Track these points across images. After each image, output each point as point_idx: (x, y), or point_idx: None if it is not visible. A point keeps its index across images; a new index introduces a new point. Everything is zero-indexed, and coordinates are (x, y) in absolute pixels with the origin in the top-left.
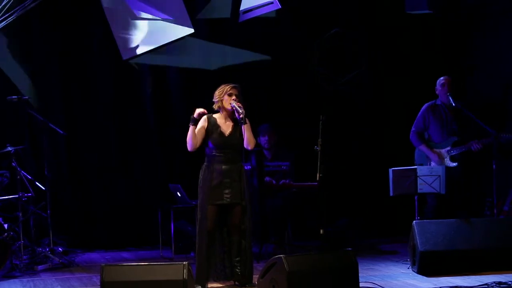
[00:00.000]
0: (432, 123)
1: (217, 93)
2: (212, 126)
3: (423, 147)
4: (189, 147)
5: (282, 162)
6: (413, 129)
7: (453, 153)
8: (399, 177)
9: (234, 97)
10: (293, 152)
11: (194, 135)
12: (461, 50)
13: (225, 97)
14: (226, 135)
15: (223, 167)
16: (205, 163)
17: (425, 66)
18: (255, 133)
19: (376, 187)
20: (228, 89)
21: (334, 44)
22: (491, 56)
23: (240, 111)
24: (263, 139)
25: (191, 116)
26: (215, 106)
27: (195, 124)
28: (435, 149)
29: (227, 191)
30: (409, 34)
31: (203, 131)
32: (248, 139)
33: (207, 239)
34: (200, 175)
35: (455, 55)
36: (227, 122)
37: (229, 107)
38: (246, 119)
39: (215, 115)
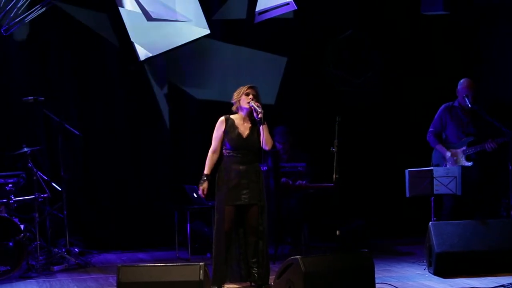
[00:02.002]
0: (449, 124)
1: (235, 94)
2: (230, 127)
3: (439, 147)
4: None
5: (298, 163)
6: (430, 129)
7: (469, 152)
8: (415, 178)
9: (251, 97)
10: (308, 153)
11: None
12: (476, 51)
13: (242, 97)
14: (244, 136)
15: (241, 167)
16: (222, 164)
17: (441, 67)
18: (271, 135)
19: (392, 188)
20: (245, 89)
21: (349, 45)
22: (506, 57)
23: (259, 110)
24: (279, 141)
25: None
26: (233, 107)
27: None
28: (451, 149)
29: (244, 191)
30: (425, 35)
31: (223, 134)
32: (266, 139)
33: (224, 240)
34: (216, 176)
35: (470, 55)
36: (245, 123)
37: (246, 106)
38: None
39: (232, 116)
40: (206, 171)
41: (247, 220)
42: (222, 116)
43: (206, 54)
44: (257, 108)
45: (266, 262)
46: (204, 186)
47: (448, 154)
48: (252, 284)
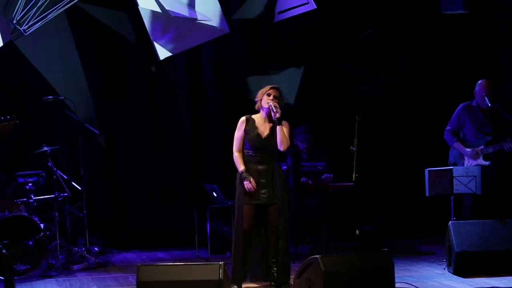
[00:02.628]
0: (467, 123)
1: (258, 93)
2: (250, 127)
3: (456, 145)
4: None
5: (318, 162)
6: (447, 127)
7: (487, 151)
8: (435, 178)
9: (272, 97)
10: (325, 152)
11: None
12: (495, 50)
13: (264, 96)
14: (263, 136)
15: (259, 167)
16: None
17: (461, 66)
18: (292, 134)
19: (412, 188)
20: (267, 89)
21: (369, 44)
22: None
23: (275, 110)
24: (301, 140)
25: (244, 177)
26: (256, 106)
27: (240, 177)
28: (468, 148)
29: (263, 191)
30: (445, 34)
31: (243, 134)
32: (281, 140)
33: (243, 238)
34: (237, 175)
35: (489, 55)
36: (266, 123)
37: (266, 106)
38: (284, 121)
39: (254, 116)
40: (241, 167)
41: (268, 220)
42: (243, 115)
43: (226, 53)
44: (274, 108)
45: (287, 262)
46: (250, 179)
47: (468, 150)
48: (272, 283)
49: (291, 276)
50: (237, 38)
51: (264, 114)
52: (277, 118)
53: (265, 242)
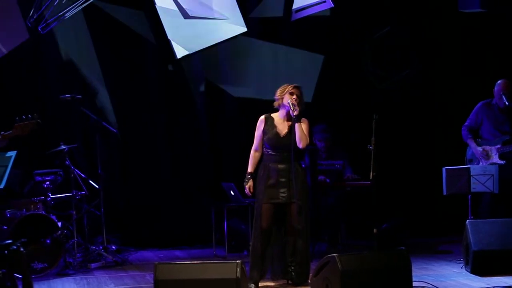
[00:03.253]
0: (485, 121)
1: (278, 91)
2: (269, 126)
3: (470, 142)
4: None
5: (336, 161)
6: (465, 123)
7: (503, 150)
8: (453, 176)
9: (295, 97)
10: (344, 151)
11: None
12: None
13: (286, 95)
14: (282, 135)
15: (279, 166)
16: (262, 162)
17: (478, 64)
18: (311, 133)
19: (430, 186)
20: (290, 88)
21: (386, 42)
22: None
23: (293, 108)
24: (319, 139)
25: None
26: (275, 104)
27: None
28: (483, 146)
29: (282, 190)
30: (462, 33)
31: (262, 133)
32: (299, 137)
33: (261, 237)
34: (259, 172)
35: (506, 53)
36: (285, 122)
37: (287, 105)
38: (303, 119)
39: (273, 115)
40: (249, 169)
41: (287, 219)
42: (260, 114)
43: (243, 52)
44: (292, 106)
45: (306, 261)
46: (249, 184)
47: (479, 150)
48: (289, 282)
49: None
50: (255, 37)
51: (284, 113)
52: (296, 116)
53: (284, 241)
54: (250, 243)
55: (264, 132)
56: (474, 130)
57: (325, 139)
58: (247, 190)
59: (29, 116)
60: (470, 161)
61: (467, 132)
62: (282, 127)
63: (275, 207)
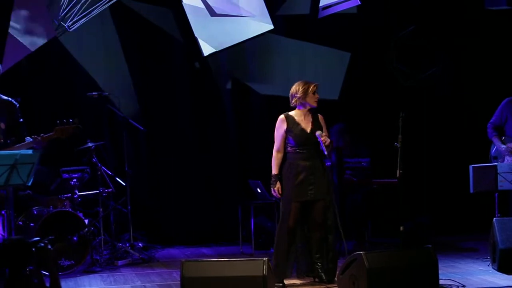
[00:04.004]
0: (509, 118)
1: (300, 89)
2: (292, 124)
3: (495, 140)
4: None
5: (363, 158)
6: (490, 120)
7: None
8: (479, 174)
9: (317, 96)
10: (369, 149)
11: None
12: None
13: (310, 94)
14: (308, 131)
15: (307, 163)
16: (287, 161)
17: (505, 62)
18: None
19: (456, 184)
20: (313, 88)
21: (412, 40)
22: None
23: (325, 146)
24: (336, 140)
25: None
26: (295, 101)
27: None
28: (508, 144)
29: (311, 187)
30: (488, 30)
31: (285, 133)
32: (330, 151)
33: (287, 235)
34: (283, 172)
35: None
36: (306, 119)
37: (314, 105)
38: (319, 116)
39: (291, 113)
40: (274, 171)
41: (312, 216)
42: (287, 111)
43: (270, 49)
44: (326, 147)
45: (336, 258)
46: (277, 186)
47: (503, 147)
48: (316, 280)
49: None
50: (281, 34)
51: (305, 111)
52: (326, 154)
53: (308, 238)
54: (275, 241)
55: (288, 130)
56: (499, 127)
57: (344, 140)
58: (276, 193)
59: (70, 120)
60: (495, 158)
61: (492, 129)
62: (305, 124)
63: (303, 204)
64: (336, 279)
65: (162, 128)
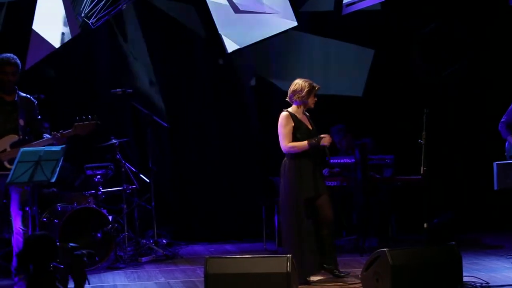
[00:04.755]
0: None
1: (305, 88)
2: (297, 122)
3: (510, 138)
4: (285, 150)
5: (387, 155)
6: (502, 119)
7: None
8: (504, 171)
9: (315, 98)
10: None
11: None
12: None
13: (312, 96)
14: (311, 130)
15: (310, 161)
16: (290, 159)
17: None
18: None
19: (480, 181)
20: (316, 90)
21: (435, 37)
22: None
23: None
24: (338, 140)
25: (316, 140)
26: (297, 98)
27: (311, 146)
28: None
29: (316, 183)
30: None
31: (292, 129)
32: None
33: (298, 233)
34: (285, 170)
35: None
36: (304, 117)
37: (312, 106)
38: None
39: (291, 110)
40: (305, 142)
41: (320, 211)
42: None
43: (294, 46)
44: (329, 153)
45: (335, 250)
46: (324, 138)
47: None
48: (335, 272)
49: (359, 269)
50: (305, 31)
51: (303, 109)
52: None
53: (315, 233)
54: (291, 241)
55: (295, 127)
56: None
57: (342, 137)
58: (328, 140)
59: (89, 116)
60: (511, 158)
61: (505, 128)
62: (305, 121)
63: (309, 201)
64: (360, 275)
65: (185, 125)
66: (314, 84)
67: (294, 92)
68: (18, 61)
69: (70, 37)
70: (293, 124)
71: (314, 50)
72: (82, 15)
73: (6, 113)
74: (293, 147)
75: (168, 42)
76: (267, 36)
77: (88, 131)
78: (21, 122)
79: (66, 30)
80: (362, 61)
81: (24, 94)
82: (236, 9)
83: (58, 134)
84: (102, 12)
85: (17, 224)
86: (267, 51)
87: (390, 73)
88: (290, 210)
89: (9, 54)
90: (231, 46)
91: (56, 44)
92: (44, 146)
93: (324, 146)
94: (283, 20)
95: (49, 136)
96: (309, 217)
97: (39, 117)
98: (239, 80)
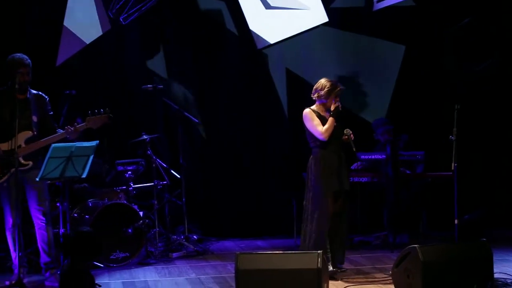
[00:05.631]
0: None
1: (326, 87)
2: (320, 118)
3: None
4: (324, 137)
5: (418, 151)
6: None
7: None
8: None
9: (338, 99)
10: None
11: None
12: None
13: (332, 96)
14: (335, 124)
15: (335, 156)
16: (316, 155)
17: None
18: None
19: None
20: (338, 91)
21: (468, 33)
22: None
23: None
24: (380, 134)
25: (335, 110)
26: (317, 96)
27: (335, 115)
28: None
29: (340, 178)
30: None
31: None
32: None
33: (324, 227)
34: (311, 166)
35: None
36: (328, 114)
37: (331, 108)
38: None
39: (313, 108)
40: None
41: (341, 206)
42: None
43: (324, 42)
44: (354, 145)
45: (345, 242)
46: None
47: None
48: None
49: (389, 266)
50: (336, 27)
51: (324, 107)
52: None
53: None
54: (313, 235)
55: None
56: None
57: (388, 131)
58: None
59: (101, 110)
60: None
61: None
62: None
63: (334, 195)
64: (391, 272)
65: (216, 121)
66: (337, 85)
67: (315, 90)
68: (30, 61)
69: (101, 33)
70: (318, 119)
71: (345, 46)
72: (113, 11)
73: (20, 110)
74: (326, 129)
75: (199, 38)
76: (298, 32)
77: (101, 124)
78: (35, 118)
79: (97, 26)
80: (393, 57)
81: (35, 91)
82: (267, 5)
83: (72, 128)
84: (133, 8)
85: (38, 219)
86: (298, 47)
87: (421, 69)
88: (312, 205)
89: (21, 55)
90: (261, 42)
91: (87, 40)
92: (57, 140)
93: (349, 137)
94: (314, 16)
95: (62, 131)
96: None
97: (51, 113)
98: (270, 75)
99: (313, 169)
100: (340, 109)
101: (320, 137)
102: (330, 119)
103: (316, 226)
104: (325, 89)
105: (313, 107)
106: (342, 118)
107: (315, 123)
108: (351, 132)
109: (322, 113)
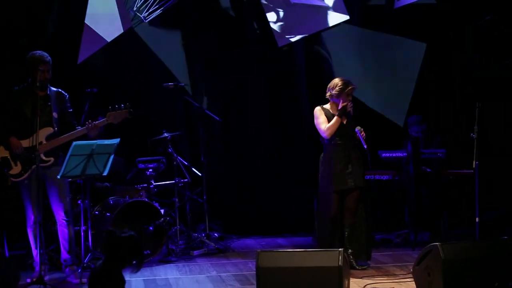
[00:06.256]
0: None
1: (337, 86)
2: (330, 117)
3: None
4: (327, 135)
5: (439, 149)
6: None
7: None
8: None
9: (350, 98)
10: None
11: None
12: None
13: (343, 95)
14: (344, 123)
15: (344, 153)
16: (325, 152)
17: None
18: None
19: None
20: (350, 90)
21: (488, 30)
22: None
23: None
24: (415, 131)
25: (342, 109)
26: (329, 95)
27: (340, 114)
28: None
29: (350, 176)
30: None
31: (326, 120)
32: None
33: (330, 226)
34: (320, 164)
35: None
36: (336, 113)
37: (346, 108)
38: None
39: (325, 106)
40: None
41: (346, 203)
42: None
43: (346, 39)
44: (365, 141)
45: (370, 240)
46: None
47: None
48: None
49: (410, 264)
50: (357, 25)
51: (335, 106)
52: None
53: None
54: (317, 231)
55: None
56: None
57: (422, 130)
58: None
59: (122, 105)
60: None
61: None
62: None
63: (342, 193)
64: (412, 270)
65: (237, 119)
66: (349, 84)
67: (328, 88)
68: (50, 58)
69: (122, 31)
70: (324, 117)
71: (366, 44)
72: (134, 8)
73: (40, 107)
74: (328, 127)
75: (220, 35)
76: (319, 29)
77: (121, 119)
78: (55, 115)
79: (118, 24)
80: (414, 55)
81: (55, 88)
82: (288, 3)
83: (91, 125)
84: (154, 6)
85: (59, 215)
86: (319, 45)
87: (442, 67)
88: (321, 202)
89: (41, 52)
90: (282, 39)
91: (108, 38)
92: (77, 137)
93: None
94: (335, 14)
95: (81, 128)
96: (340, 208)
97: (71, 110)
98: (291, 73)
99: (320, 167)
100: (350, 108)
101: (323, 134)
102: (335, 118)
103: (319, 223)
104: (337, 88)
105: (326, 105)
106: (363, 116)
107: (320, 120)
108: (362, 129)
109: (333, 112)
